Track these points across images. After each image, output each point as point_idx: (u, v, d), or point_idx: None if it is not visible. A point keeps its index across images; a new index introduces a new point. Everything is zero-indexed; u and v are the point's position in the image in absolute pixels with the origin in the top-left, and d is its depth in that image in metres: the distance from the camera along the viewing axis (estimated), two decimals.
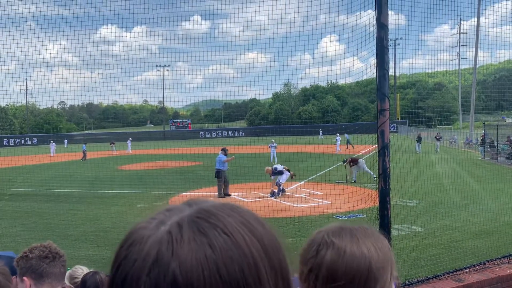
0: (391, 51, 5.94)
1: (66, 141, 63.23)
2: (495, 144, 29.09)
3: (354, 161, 19.19)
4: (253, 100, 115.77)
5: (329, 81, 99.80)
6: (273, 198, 15.47)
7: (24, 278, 2.22)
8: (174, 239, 0.57)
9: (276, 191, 15.82)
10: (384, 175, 5.20)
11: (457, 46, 56.82)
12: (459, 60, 58.39)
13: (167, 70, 59.93)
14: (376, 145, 5.38)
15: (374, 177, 18.05)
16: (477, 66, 46.19)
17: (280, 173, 15.89)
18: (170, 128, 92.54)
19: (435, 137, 36.80)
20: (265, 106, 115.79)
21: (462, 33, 54.54)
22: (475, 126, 45.30)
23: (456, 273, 6.51)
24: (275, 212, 12.56)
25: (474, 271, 6.63)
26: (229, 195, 15.94)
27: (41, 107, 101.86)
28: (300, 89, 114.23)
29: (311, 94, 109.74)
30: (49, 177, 24.49)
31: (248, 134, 71.75)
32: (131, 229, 0.63)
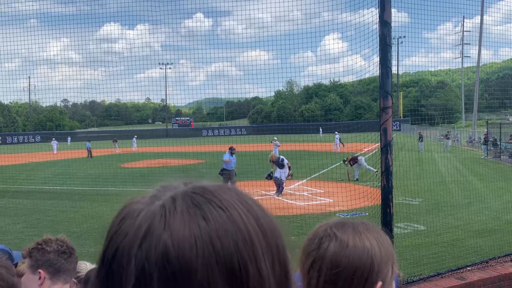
0: (394, 49, 5.92)
1: (69, 138, 63.42)
2: (498, 143, 29.02)
3: (354, 160, 19.13)
4: (256, 98, 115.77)
5: (332, 79, 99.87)
6: (275, 196, 15.35)
7: (40, 271, 2.20)
8: (167, 212, 0.56)
9: (279, 188, 15.62)
10: (386, 173, 5.20)
11: (460, 44, 56.63)
12: (462, 58, 58.19)
13: (170, 68, 60.02)
14: (372, 144, 5.38)
15: (376, 171, 18.08)
16: (480, 65, 46.07)
17: (282, 166, 15.60)
18: (172, 126, 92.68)
19: (445, 136, 36.18)
20: (267, 104, 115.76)
21: (465, 31, 54.34)
22: (478, 124, 45.20)
23: (458, 271, 6.51)
24: (277, 210, 12.56)
25: (477, 269, 6.63)
26: None
27: (44, 105, 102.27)
28: (302, 87, 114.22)
29: (314, 92, 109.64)
30: (52, 175, 24.56)
31: (251, 132, 71.75)
32: (124, 205, 0.62)
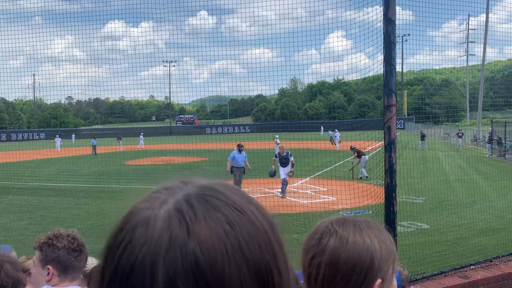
0: (398, 47, 5.90)
1: (74, 136, 63.62)
2: (503, 141, 28.90)
3: (359, 153, 19.02)
4: (259, 96, 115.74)
5: (336, 77, 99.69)
6: (281, 196, 15.04)
7: (49, 267, 2.20)
8: (187, 217, 0.53)
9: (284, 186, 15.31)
10: (390, 171, 5.19)
11: (465, 42, 56.35)
12: (467, 56, 57.94)
13: (174, 65, 60.05)
14: (376, 142, 5.37)
15: (366, 176, 18.08)
16: (485, 63, 45.85)
17: (286, 163, 15.24)
18: (176, 123, 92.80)
19: (457, 134, 35.55)
20: (271, 102, 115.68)
21: (470, 29, 54.06)
22: (483, 123, 45.00)
23: (461, 270, 6.50)
24: (280, 207, 12.57)
25: (480, 268, 6.61)
26: None
27: (48, 102, 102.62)
28: (306, 85, 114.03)
29: (318, 90, 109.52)
30: (57, 172, 24.67)
31: (254, 130, 71.76)
32: (130, 212, 0.57)
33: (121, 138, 46.32)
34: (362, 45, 6.50)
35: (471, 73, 71.06)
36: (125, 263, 0.52)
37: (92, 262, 3.21)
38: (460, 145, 34.47)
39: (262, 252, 0.54)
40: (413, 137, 38.50)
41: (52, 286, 2.22)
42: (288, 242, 0.63)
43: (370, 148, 20.26)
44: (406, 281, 3.28)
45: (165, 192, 0.58)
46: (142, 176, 21.73)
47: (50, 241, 2.23)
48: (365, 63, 6.97)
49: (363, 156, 18.95)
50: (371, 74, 7.14)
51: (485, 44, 41.09)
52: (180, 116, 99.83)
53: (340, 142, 36.58)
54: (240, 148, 15.31)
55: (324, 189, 16.30)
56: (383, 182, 5.38)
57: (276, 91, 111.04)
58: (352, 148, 19.76)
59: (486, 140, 33.30)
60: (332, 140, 39.71)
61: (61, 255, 2.20)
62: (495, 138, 30.22)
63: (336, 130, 39.10)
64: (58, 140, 44.01)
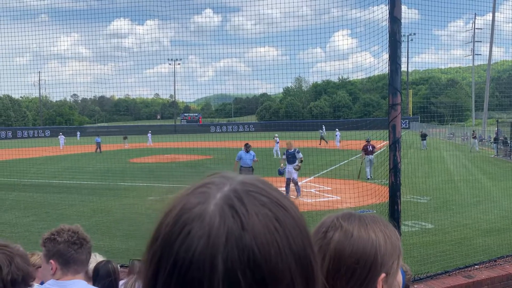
0: (403, 46, 5.88)
1: (78, 133, 63.87)
2: (509, 142, 28.74)
3: (366, 149, 18.74)
4: (264, 94, 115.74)
5: (341, 76, 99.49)
6: (297, 198, 14.55)
7: (51, 261, 2.25)
8: (240, 213, 0.56)
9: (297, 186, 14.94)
10: (394, 170, 5.19)
11: (471, 42, 56.07)
12: (473, 56, 57.66)
13: (179, 64, 60.12)
14: (381, 141, 5.37)
15: (368, 177, 17.84)
16: (491, 63, 45.61)
17: (293, 160, 14.91)
18: (181, 122, 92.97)
19: (472, 135, 34.88)
20: (276, 101, 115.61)
21: (476, 28, 53.78)
22: (488, 123, 44.78)
23: (466, 270, 6.48)
24: None
25: (485, 268, 6.60)
26: None
27: (54, 100, 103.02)
28: (311, 84, 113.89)
29: (323, 89, 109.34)
30: (62, 169, 24.79)
31: (259, 129, 71.74)
32: (182, 206, 0.59)
33: (127, 138, 46.13)
34: (367, 44, 6.49)
35: (477, 72, 70.71)
36: (184, 255, 0.54)
37: (95, 258, 3.24)
38: (477, 146, 33.30)
39: (305, 246, 0.58)
40: (418, 136, 38.34)
41: (57, 280, 2.25)
42: None
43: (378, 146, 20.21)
44: (410, 280, 3.29)
45: (212, 187, 0.61)
46: (147, 174, 21.79)
47: (52, 236, 2.29)
48: (370, 62, 6.95)
49: (370, 157, 18.67)
50: (376, 73, 7.13)
51: (491, 43, 40.89)
52: (185, 114, 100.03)
53: (340, 141, 36.62)
54: (247, 148, 15.03)
55: (328, 188, 16.29)
56: (388, 181, 5.38)
57: (281, 90, 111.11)
58: (368, 140, 18.87)
59: (492, 140, 33.13)
60: (322, 138, 39.94)
61: (61, 249, 2.24)
62: (500, 138, 30.07)
63: (337, 129, 39.10)
64: (61, 138, 44.13)
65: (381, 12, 5.71)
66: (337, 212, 1.14)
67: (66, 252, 2.24)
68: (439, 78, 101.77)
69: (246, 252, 0.53)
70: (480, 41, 56.86)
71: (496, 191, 14.95)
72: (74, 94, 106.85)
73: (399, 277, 1.12)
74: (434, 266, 6.88)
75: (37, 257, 3.25)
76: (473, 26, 54.59)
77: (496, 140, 30.54)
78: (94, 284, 2.99)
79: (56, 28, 10.83)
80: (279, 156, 26.87)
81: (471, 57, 58.65)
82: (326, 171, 20.43)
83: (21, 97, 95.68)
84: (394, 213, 5.22)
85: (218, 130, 79.33)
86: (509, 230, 9.66)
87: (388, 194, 5.40)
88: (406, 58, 68.12)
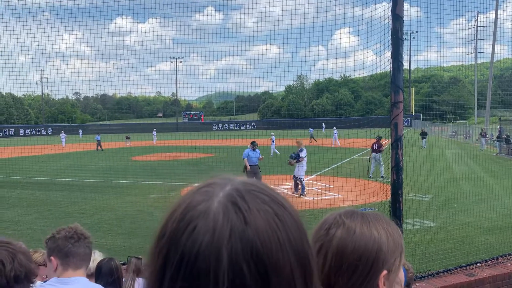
0: (405, 44, 5.88)
1: (81, 131, 63.95)
2: (511, 140, 28.67)
3: (372, 148, 18.65)
4: (266, 92, 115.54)
5: (343, 74, 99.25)
6: (302, 197, 14.52)
7: (52, 257, 2.32)
8: (243, 209, 0.59)
9: (300, 188, 14.89)
10: (396, 168, 5.18)
11: (473, 40, 55.87)
12: (475, 54, 57.47)
13: (181, 62, 60.09)
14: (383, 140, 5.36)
15: (382, 176, 17.62)
16: (494, 61, 45.45)
17: (298, 157, 14.81)
18: (183, 120, 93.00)
19: (480, 134, 34.44)
20: (277, 99, 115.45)
21: (479, 26, 53.58)
22: (491, 121, 44.67)
23: (468, 268, 6.48)
24: None
25: (487, 266, 6.60)
26: None
27: (56, 98, 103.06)
28: (313, 82, 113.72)
29: (325, 87, 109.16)
30: (64, 167, 24.84)
31: (261, 127, 71.70)
32: (187, 204, 0.62)
33: (129, 137, 45.92)
34: (369, 41, 6.47)
35: (479, 70, 70.57)
36: (191, 250, 0.57)
37: (94, 256, 3.25)
38: (483, 145, 33.05)
39: (303, 242, 0.62)
40: (415, 134, 38.24)
41: (58, 277, 2.28)
42: None
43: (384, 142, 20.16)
44: (412, 279, 3.28)
45: (216, 186, 0.64)
46: (149, 172, 21.83)
47: (52, 235, 2.38)
48: (372, 60, 6.94)
49: (376, 155, 18.56)
50: (378, 71, 7.11)
51: (494, 41, 40.75)
52: (187, 112, 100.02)
53: (315, 140, 36.72)
54: (254, 146, 14.95)
55: (330, 186, 16.28)
56: (390, 179, 5.38)
57: (283, 88, 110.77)
58: (379, 139, 18.52)
59: (494, 139, 33.02)
60: (312, 137, 40.11)
61: (60, 244, 2.31)
62: (503, 136, 29.99)
63: (334, 127, 39.09)
64: (63, 136, 44.12)
65: (383, 9, 5.70)
66: (340, 210, 1.15)
67: (64, 246, 2.31)
68: (441, 76, 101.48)
69: (249, 246, 0.56)
70: (483, 39, 56.65)
71: (498, 189, 14.92)
72: (76, 92, 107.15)
73: (401, 275, 1.12)
74: (436, 264, 6.88)
75: (39, 255, 3.26)
76: (475, 24, 54.39)
77: (499, 138, 30.45)
78: (97, 282, 3.00)
79: (58, 26, 10.83)
80: (277, 154, 26.85)
81: (473, 55, 58.50)
82: (328, 169, 20.42)
83: (23, 95, 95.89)
84: (396, 211, 5.22)
85: (220, 128, 79.32)
86: (511, 228, 9.65)
87: (390, 192, 5.39)
88: (408, 56, 68.02)
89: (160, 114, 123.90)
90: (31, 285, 1.57)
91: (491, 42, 42.56)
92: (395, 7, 5.08)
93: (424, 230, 9.81)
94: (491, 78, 43.78)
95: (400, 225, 5.15)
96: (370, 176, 17.90)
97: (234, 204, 0.59)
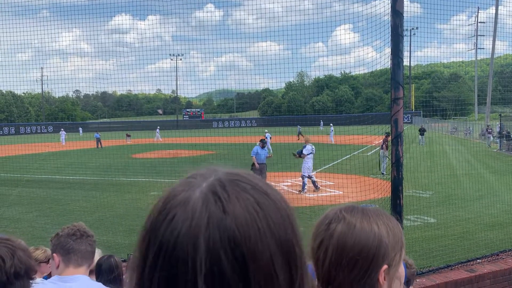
0: (406, 40, 5.86)
1: (81, 129, 63.93)
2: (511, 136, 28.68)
3: (381, 145, 18.49)
4: (266, 90, 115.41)
5: (343, 71, 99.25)
6: (302, 193, 14.47)
7: (54, 254, 2.34)
8: (222, 197, 0.59)
9: (305, 183, 14.76)
10: (397, 164, 5.18)
11: (474, 36, 55.75)
12: (476, 50, 57.35)
13: (180, 59, 60.04)
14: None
15: (383, 173, 17.45)
16: (494, 57, 45.39)
17: (300, 153, 14.73)
18: (183, 117, 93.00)
19: (486, 131, 34.18)
20: (278, 96, 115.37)
21: (479, 22, 53.44)
22: (491, 117, 44.62)
23: (468, 264, 6.49)
24: None
25: (487, 262, 6.60)
26: None
27: (56, 96, 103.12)
28: (313, 79, 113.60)
29: (325, 84, 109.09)
30: (64, 165, 24.85)
31: (261, 124, 71.69)
32: (169, 194, 0.63)
33: (130, 135, 45.86)
34: (369, 38, 6.46)
35: (480, 67, 70.43)
36: (169, 238, 0.58)
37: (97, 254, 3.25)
38: (490, 142, 32.65)
39: (286, 230, 0.62)
40: (415, 130, 38.16)
41: (60, 274, 2.28)
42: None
43: (376, 142, 20.19)
44: (414, 275, 3.27)
45: (198, 177, 0.65)
46: (149, 169, 21.83)
47: (56, 233, 2.41)
48: (373, 57, 6.93)
49: (382, 151, 18.41)
50: (378, 67, 7.10)
51: (494, 37, 40.67)
52: (187, 110, 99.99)
53: (303, 136, 36.76)
54: (263, 144, 14.74)
55: (331, 182, 16.30)
56: (390, 176, 5.38)
57: (283, 85, 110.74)
58: (387, 135, 18.44)
59: (495, 135, 33.00)
60: (299, 133, 40.26)
61: (62, 241, 2.34)
62: (503, 132, 29.98)
63: (331, 124, 39.11)
64: (63, 134, 44.07)
65: (383, 6, 5.69)
66: (340, 205, 1.15)
67: (66, 243, 2.33)
68: (441, 73, 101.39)
69: (227, 234, 0.57)
70: (483, 35, 56.60)
71: (498, 185, 14.92)
72: (76, 90, 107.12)
73: (401, 270, 1.12)
74: (436, 260, 6.89)
75: (40, 252, 3.27)
76: (476, 20, 54.25)
77: (499, 134, 30.44)
78: (97, 279, 3.00)
79: (57, 24, 10.85)
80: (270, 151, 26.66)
81: (474, 51, 58.36)
82: (328, 165, 20.42)
83: (23, 93, 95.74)
84: (396, 208, 5.22)
85: (221, 126, 79.32)
86: (511, 224, 9.66)
87: (390, 188, 5.39)
88: (409, 52, 67.91)
89: (160, 111, 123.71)
90: (31, 281, 1.57)
91: (491, 38, 42.47)
92: (395, 3, 5.07)
93: (425, 227, 9.81)
94: (492, 74, 43.72)
95: (400, 221, 5.15)
96: (383, 173, 17.48)
97: (214, 194, 0.60)
